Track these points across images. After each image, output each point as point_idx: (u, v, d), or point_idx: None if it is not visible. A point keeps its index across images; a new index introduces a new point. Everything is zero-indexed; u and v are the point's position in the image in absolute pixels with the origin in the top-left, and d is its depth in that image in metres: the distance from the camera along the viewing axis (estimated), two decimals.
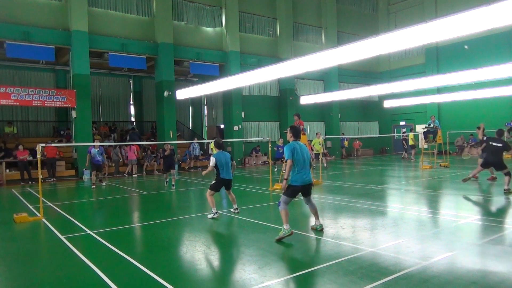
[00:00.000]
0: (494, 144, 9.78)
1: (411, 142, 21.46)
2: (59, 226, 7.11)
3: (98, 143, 13.62)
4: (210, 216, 7.44)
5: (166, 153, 12.67)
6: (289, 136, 6.10)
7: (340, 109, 26.53)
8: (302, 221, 7.15)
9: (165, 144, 13.09)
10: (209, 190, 7.58)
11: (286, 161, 5.92)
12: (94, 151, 13.27)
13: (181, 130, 23.81)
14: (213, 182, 7.66)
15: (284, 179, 5.83)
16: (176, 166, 16.11)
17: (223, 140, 20.99)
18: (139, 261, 4.87)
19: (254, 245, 5.46)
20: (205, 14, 20.78)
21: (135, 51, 18.33)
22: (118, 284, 4.11)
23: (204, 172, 7.96)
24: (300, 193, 5.95)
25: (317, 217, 6.23)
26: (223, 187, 7.69)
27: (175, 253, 5.42)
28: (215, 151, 7.81)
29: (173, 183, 12.38)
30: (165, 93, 18.94)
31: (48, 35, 16.08)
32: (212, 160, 7.47)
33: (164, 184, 12.98)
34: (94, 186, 13.18)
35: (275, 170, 13.78)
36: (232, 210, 7.90)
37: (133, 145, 17.26)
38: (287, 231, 5.57)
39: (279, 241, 5.56)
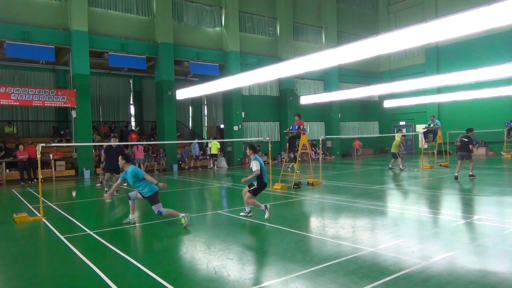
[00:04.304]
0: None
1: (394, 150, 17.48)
2: (59, 226, 7.11)
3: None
4: (267, 215, 7.11)
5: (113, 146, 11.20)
6: (124, 163, 6.98)
7: (340, 109, 26.52)
8: (302, 221, 7.15)
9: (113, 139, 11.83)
10: (250, 194, 7.27)
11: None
12: None
13: (181, 130, 23.81)
14: (255, 187, 7.27)
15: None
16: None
17: (222, 140, 21.21)
18: (139, 261, 4.87)
19: (254, 245, 5.45)
20: (205, 14, 20.78)
21: (135, 51, 18.33)
22: (118, 284, 4.11)
23: (244, 180, 7.42)
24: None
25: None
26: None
27: (175, 253, 5.42)
28: (252, 156, 7.43)
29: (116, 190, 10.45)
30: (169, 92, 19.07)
31: (48, 35, 16.08)
32: (257, 164, 7.15)
33: (104, 193, 10.53)
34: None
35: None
36: (242, 214, 7.52)
37: (140, 145, 17.27)
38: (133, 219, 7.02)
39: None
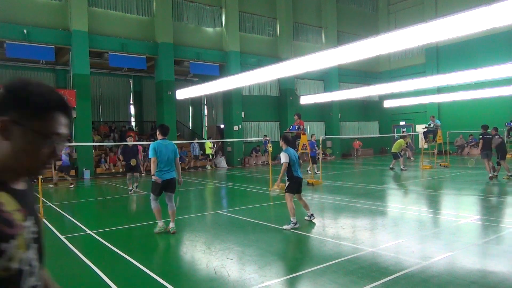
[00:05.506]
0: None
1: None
2: (59, 226, 7.11)
3: None
4: (287, 227, 6.32)
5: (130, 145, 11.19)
6: (157, 133, 6.53)
7: (340, 109, 26.51)
8: (301, 221, 7.14)
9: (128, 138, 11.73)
10: (287, 194, 6.60)
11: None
12: None
13: (181, 130, 23.81)
14: (288, 183, 6.65)
15: (152, 175, 6.26)
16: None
17: (222, 140, 21.22)
18: (139, 261, 4.87)
19: (254, 245, 5.45)
20: (205, 14, 20.77)
21: (135, 51, 18.33)
22: (118, 284, 4.11)
23: (279, 179, 6.68)
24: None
25: (173, 219, 6.38)
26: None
27: (175, 253, 5.42)
28: (284, 147, 6.75)
29: (136, 185, 11.41)
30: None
31: (48, 35, 16.07)
32: (285, 156, 6.50)
33: (129, 192, 11.26)
34: None
35: (310, 171, 13.60)
36: (306, 217, 6.83)
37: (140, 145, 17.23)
38: (161, 228, 6.33)
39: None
